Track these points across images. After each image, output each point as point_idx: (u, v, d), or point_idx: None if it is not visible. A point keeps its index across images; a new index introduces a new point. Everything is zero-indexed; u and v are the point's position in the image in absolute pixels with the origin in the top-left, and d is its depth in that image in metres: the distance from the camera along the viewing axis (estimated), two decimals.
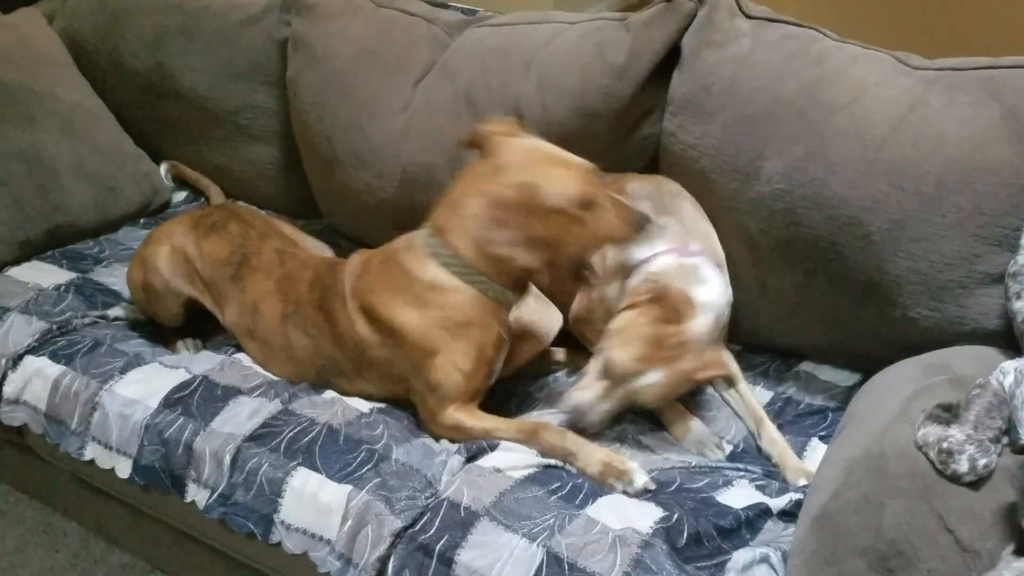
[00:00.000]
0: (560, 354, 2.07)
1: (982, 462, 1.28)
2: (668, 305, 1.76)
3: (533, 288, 1.95)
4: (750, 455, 1.84)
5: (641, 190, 1.97)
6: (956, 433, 1.30)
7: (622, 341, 1.75)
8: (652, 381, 1.74)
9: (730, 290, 1.91)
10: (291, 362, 1.98)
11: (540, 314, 2.00)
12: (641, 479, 1.66)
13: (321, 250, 2.24)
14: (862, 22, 1.99)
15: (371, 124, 2.31)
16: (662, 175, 2.07)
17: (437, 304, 1.78)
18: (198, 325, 2.17)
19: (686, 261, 1.85)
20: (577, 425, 1.79)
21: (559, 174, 1.71)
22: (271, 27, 2.55)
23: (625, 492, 1.65)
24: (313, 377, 1.96)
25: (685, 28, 2.02)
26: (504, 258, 1.74)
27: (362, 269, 1.89)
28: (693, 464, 1.77)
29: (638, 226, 1.74)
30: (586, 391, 1.77)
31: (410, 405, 1.88)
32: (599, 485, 1.67)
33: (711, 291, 1.83)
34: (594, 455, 1.70)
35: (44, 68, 2.62)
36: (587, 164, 1.75)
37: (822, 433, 1.86)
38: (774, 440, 1.82)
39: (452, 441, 1.78)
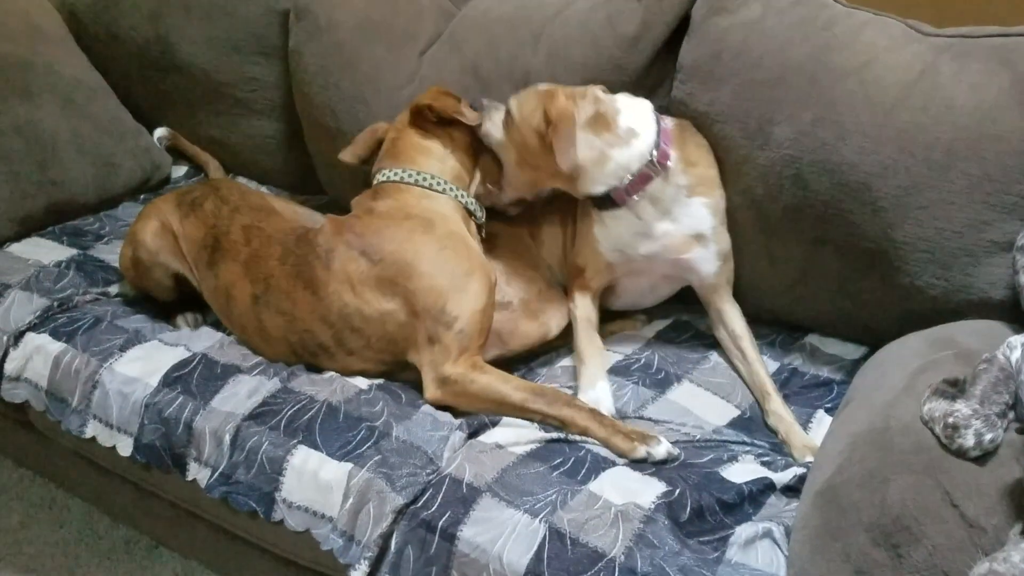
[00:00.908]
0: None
1: (988, 437, 1.27)
2: None
3: (536, 284, 2.01)
4: (756, 423, 1.83)
5: None
6: (962, 408, 1.29)
7: None
8: None
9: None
10: (266, 344, 1.96)
11: (545, 303, 2.00)
12: (667, 445, 1.68)
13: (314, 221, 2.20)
14: None
15: (375, 95, 2.29)
16: None
17: (438, 217, 1.89)
18: (197, 299, 2.15)
19: None
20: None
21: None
22: None
23: (649, 454, 1.65)
24: (291, 358, 1.93)
25: None
26: (455, 160, 1.99)
27: (348, 224, 1.92)
28: (698, 438, 1.76)
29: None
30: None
31: (410, 381, 1.87)
32: (621, 451, 1.67)
33: None
34: (620, 422, 1.72)
35: (42, 42, 2.59)
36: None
37: (828, 405, 1.85)
38: (780, 416, 1.81)
39: (453, 409, 1.78)
